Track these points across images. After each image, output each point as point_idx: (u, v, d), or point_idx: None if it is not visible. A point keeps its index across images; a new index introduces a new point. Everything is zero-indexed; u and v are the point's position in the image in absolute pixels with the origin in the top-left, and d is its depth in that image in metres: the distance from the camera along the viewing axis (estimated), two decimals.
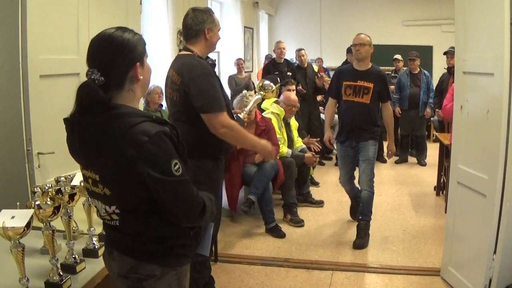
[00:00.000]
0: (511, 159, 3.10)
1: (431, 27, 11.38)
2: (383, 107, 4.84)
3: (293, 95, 5.98)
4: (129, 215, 1.80)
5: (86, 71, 1.73)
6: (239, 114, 3.50)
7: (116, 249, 1.91)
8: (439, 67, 9.46)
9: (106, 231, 1.99)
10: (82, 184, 2.31)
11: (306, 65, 8.03)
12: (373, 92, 4.65)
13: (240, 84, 8.37)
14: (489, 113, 3.27)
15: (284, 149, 5.59)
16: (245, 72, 9.26)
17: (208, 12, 3.20)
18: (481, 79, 3.40)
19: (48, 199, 2.08)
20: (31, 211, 1.96)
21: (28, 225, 1.89)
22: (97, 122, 1.71)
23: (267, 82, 4.05)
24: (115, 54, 1.73)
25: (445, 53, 7.06)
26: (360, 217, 4.79)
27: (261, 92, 3.90)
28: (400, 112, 8.18)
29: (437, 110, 7.62)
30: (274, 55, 8.52)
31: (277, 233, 4.99)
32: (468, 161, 3.59)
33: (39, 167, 3.19)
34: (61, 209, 2.09)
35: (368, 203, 4.73)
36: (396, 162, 8.37)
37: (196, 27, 3.13)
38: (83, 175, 1.88)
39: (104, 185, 1.75)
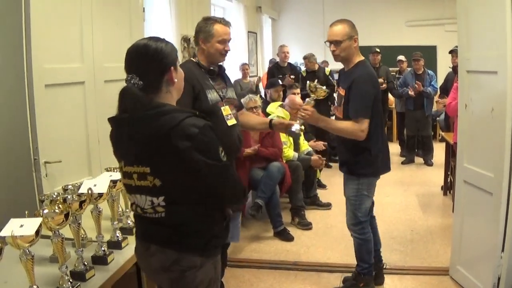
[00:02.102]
0: None
1: (435, 27, 11.36)
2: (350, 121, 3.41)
3: (298, 99, 5.99)
4: (175, 206, 1.96)
5: (126, 77, 1.92)
6: (292, 128, 3.33)
7: (156, 243, 2.02)
8: (443, 67, 9.45)
9: (144, 227, 2.08)
10: (90, 191, 2.35)
11: (317, 69, 8.06)
12: (344, 102, 3.47)
13: (245, 88, 8.40)
14: (493, 111, 3.27)
15: (290, 153, 5.60)
16: (250, 76, 9.28)
17: (206, 21, 3.14)
18: (485, 77, 3.41)
19: (56, 208, 2.09)
20: (40, 219, 1.98)
21: (37, 233, 1.91)
22: (147, 119, 1.89)
23: (318, 85, 3.63)
24: (151, 61, 1.93)
25: (450, 52, 7.05)
26: (355, 267, 3.85)
27: (312, 95, 3.55)
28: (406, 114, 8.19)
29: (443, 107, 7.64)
30: (278, 59, 8.55)
31: (285, 236, 5.00)
32: (474, 159, 3.59)
33: (46, 176, 3.21)
34: (69, 217, 2.10)
35: (359, 251, 3.74)
36: (403, 163, 8.36)
37: (195, 35, 3.18)
38: (125, 172, 2.01)
39: (155, 176, 1.91)
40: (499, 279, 3.28)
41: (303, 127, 3.36)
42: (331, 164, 8.02)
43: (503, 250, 3.23)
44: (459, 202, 3.84)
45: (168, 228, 1.98)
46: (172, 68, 1.98)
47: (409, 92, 7.94)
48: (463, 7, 3.63)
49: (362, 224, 3.63)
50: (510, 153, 3.12)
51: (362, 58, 3.52)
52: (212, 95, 3.09)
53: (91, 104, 3.64)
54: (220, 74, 3.26)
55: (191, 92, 3.01)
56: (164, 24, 6.52)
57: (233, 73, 9.13)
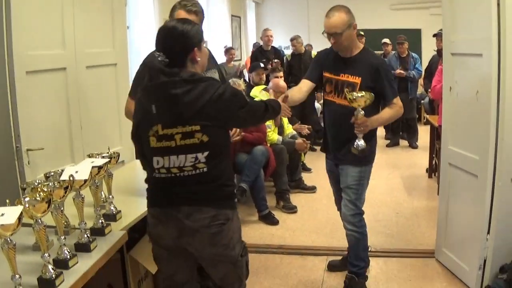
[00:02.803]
0: (501, 138, 3.10)
1: (419, 10, 11.36)
2: (386, 108, 3.36)
3: (281, 82, 5.95)
4: (216, 159, 2.24)
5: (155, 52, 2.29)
6: (359, 147, 3.21)
7: (190, 204, 2.26)
8: (428, 50, 9.46)
9: (174, 190, 2.29)
10: (72, 178, 2.31)
11: (303, 52, 8.04)
12: (360, 89, 3.24)
13: (230, 73, 8.30)
14: (478, 93, 3.27)
15: (275, 136, 5.58)
16: (234, 60, 9.21)
17: (174, 6, 3.05)
18: (470, 60, 3.40)
19: (38, 195, 2.05)
20: (21, 207, 1.93)
21: (18, 221, 1.87)
22: (194, 82, 2.19)
23: (356, 94, 3.16)
24: (176, 42, 2.21)
25: (434, 35, 7.05)
26: (349, 268, 3.62)
27: (355, 105, 3.16)
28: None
29: (428, 91, 7.64)
30: (261, 43, 8.50)
31: (270, 220, 5.00)
32: (458, 142, 3.60)
33: (28, 163, 3.15)
34: (51, 204, 2.06)
35: (354, 248, 3.55)
36: (388, 146, 8.39)
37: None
38: (162, 135, 2.22)
39: (204, 132, 2.19)
40: (485, 261, 3.30)
41: (363, 142, 3.20)
42: (315, 147, 8.02)
43: (488, 233, 3.25)
44: (444, 184, 3.85)
45: (205, 185, 2.25)
46: (195, 49, 2.23)
47: (396, 72, 7.90)
48: None
49: (360, 216, 3.49)
50: (495, 135, 3.13)
51: (362, 45, 3.42)
52: None
53: (73, 90, 3.57)
54: None
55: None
56: (147, 10, 6.42)
57: (217, 57, 9.06)
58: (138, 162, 2.52)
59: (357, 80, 3.26)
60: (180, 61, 2.22)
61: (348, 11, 3.26)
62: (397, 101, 3.33)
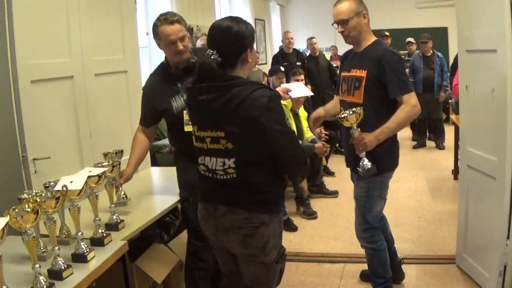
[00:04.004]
0: None
1: (445, 8, 11.06)
2: (400, 106, 3.00)
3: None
4: (246, 166, 2.21)
5: (207, 51, 2.19)
6: (365, 167, 3.01)
7: (226, 204, 2.27)
8: (455, 48, 9.15)
9: (212, 188, 2.32)
10: (65, 188, 2.27)
11: (318, 54, 7.92)
12: (366, 83, 3.02)
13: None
14: (494, 91, 3.13)
15: None
16: (259, 64, 9.10)
17: (156, 22, 2.95)
18: (485, 56, 3.26)
19: (26, 206, 2.02)
20: (6, 219, 1.91)
21: (2, 232, 1.84)
22: (223, 89, 2.15)
23: (345, 112, 2.98)
24: (231, 42, 2.18)
25: None
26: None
27: (347, 123, 2.99)
28: None
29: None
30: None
31: (288, 226, 4.90)
32: (476, 143, 3.46)
33: (35, 172, 3.14)
34: (39, 215, 2.03)
35: (371, 263, 3.39)
36: (414, 147, 8.23)
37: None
38: (198, 136, 2.30)
39: (228, 140, 2.17)
40: (505, 267, 3.15)
41: (367, 162, 2.97)
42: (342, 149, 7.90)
43: (508, 238, 3.10)
44: (463, 187, 3.71)
45: (238, 189, 2.24)
46: (248, 50, 2.23)
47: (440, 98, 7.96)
48: None
49: (373, 231, 3.26)
50: None
51: (376, 38, 3.17)
52: (178, 103, 2.99)
53: (82, 98, 3.56)
54: (189, 71, 2.97)
55: (154, 111, 3.07)
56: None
57: None
58: (147, 171, 2.53)
59: (363, 73, 3.04)
60: (232, 62, 2.21)
61: (357, 0, 3.08)
62: (409, 98, 2.95)
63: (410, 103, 2.96)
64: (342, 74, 3.28)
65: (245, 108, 2.11)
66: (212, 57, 2.17)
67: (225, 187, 2.26)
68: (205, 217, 2.39)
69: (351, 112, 2.92)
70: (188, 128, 2.89)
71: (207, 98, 2.19)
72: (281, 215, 2.40)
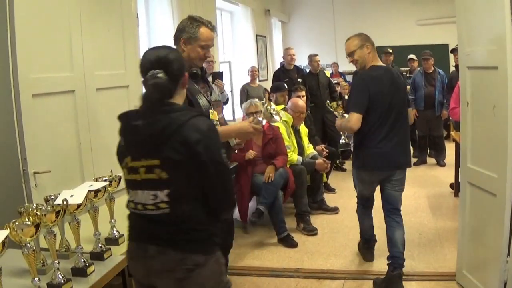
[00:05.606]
0: None
1: (447, 25, 11.09)
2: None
3: (300, 102, 5.87)
4: (180, 199, 2.02)
5: (148, 72, 2.06)
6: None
7: (156, 244, 2.04)
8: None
9: (142, 226, 2.10)
10: (66, 202, 2.27)
11: (318, 71, 7.94)
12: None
13: (252, 95, 7.82)
14: (495, 108, 3.14)
15: (294, 157, 5.49)
16: (260, 80, 9.11)
17: (193, 22, 2.91)
18: (485, 73, 3.28)
19: (27, 219, 2.02)
20: (6, 232, 1.91)
21: (2, 245, 1.85)
22: (161, 113, 2.01)
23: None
24: (173, 65, 2.08)
25: (452, 51, 6.92)
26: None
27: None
28: (417, 115, 8.01)
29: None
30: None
31: (289, 242, 4.88)
32: (477, 160, 3.46)
33: (36, 186, 3.15)
34: (39, 228, 2.03)
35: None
36: (415, 164, 8.18)
37: (177, 33, 2.95)
38: (131, 167, 2.08)
39: (163, 169, 2.00)
40: (505, 284, 3.13)
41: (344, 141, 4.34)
42: (345, 168, 7.91)
43: (509, 255, 3.09)
44: (464, 204, 3.70)
45: (170, 226, 2.03)
46: (186, 73, 2.17)
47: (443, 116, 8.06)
48: (462, 1, 3.51)
49: (358, 205, 4.29)
50: None
51: (379, 63, 3.84)
52: (203, 101, 2.94)
53: (83, 112, 3.58)
54: (202, 77, 3.11)
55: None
56: (166, 29, 6.43)
57: (242, 78, 9.02)
58: None
59: None
60: (173, 86, 2.08)
61: (363, 37, 3.80)
62: (349, 117, 3.74)
63: (351, 120, 3.72)
64: None
65: (183, 133, 1.98)
66: (158, 75, 2.01)
67: (156, 224, 2.05)
68: (134, 258, 2.14)
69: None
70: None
71: (142, 123, 2.02)
72: (219, 253, 2.17)
